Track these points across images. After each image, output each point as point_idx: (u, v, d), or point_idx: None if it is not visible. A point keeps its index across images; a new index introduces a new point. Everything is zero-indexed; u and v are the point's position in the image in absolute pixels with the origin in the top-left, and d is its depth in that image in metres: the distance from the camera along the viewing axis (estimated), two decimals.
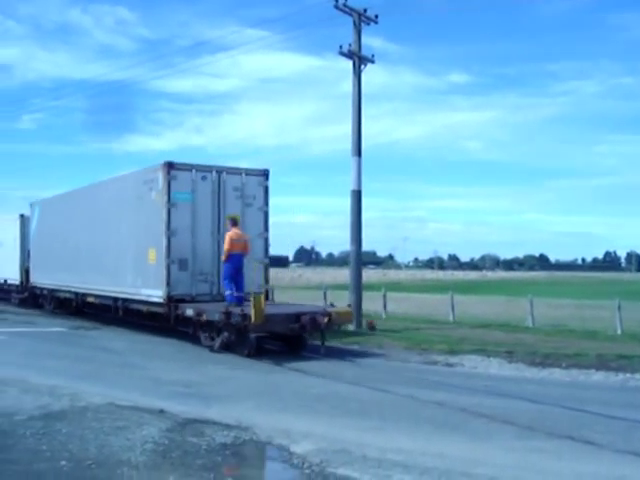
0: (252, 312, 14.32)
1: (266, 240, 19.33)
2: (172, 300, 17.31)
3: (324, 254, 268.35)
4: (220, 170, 18.55)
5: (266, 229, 19.23)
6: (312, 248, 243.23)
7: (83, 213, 23.46)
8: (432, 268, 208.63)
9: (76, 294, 23.86)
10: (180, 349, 16.83)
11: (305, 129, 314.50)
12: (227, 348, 15.59)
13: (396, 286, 54.10)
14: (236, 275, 16.64)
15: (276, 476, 6.56)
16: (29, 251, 29.57)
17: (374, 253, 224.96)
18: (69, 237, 24.56)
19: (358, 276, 22.66)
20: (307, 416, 9.05)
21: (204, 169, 18.34)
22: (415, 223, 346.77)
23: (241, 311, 14.96)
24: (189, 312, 16.75)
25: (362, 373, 13.48)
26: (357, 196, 22.45)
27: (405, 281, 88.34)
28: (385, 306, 27.57)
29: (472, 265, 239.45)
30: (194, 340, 16.85)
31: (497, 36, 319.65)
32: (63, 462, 6.55)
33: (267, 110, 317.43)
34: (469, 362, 14.90)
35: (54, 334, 19.63)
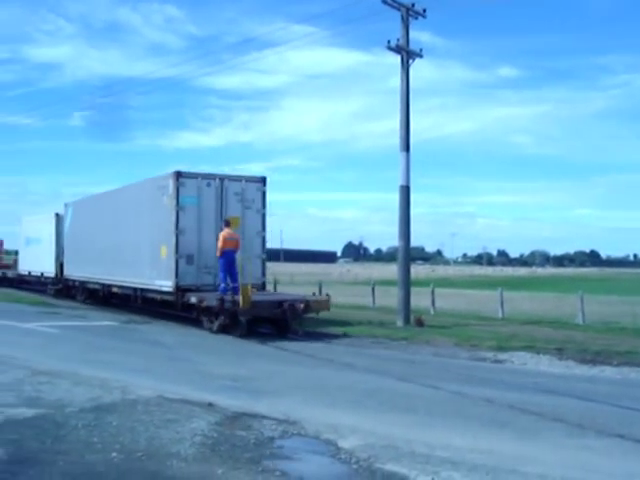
0: (240, 299, 17.31)
1: (263, 238, 22.30)
2: (180, 289, 20.18)
3: (372, 250, 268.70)
4: (222, 177, 21.45)
5: (263, 228, 22.19)
6: (360, 244, 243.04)
7: (108, 214, 26.60)
8: (481, 264, 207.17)
9: (102, 285, 26.78)
10: (228, 344, 16.98)
11: (352, 124, 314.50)
12: (224, 330, 18.34)
13: (444, 282, 53.72)
14: (230, 268, 19.38)
15: (324, 471, 6.56)
16: (63, 247, 32.40)
17: (422, 249, 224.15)
18: (97, 235, 27.55)
19: (406, 272, 22.58)
20: (355, 411, 9.06)
21: (208, 177, 21.27)
22: (464, 219, 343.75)
23: (232, 298, 17.89)
24: (193, 299, 19.52)
25: (410, 369, 13.45)
26: (406, 192, 22.38)
27: (453, 277, 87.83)
28: (433, 302, 27.43)
29: (521, 261, 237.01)
30: (199, 325, 17.08)
31: (547, 29, 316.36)
32: (114, 454, 6.65)
33: (314, 106, 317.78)
34: (518, 359, 14.78)
35: (105, 328, 19.93)
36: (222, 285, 19.18)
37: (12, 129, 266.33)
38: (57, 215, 33.55)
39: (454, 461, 6.74)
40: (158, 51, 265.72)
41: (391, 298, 26.31)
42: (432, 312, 26.37)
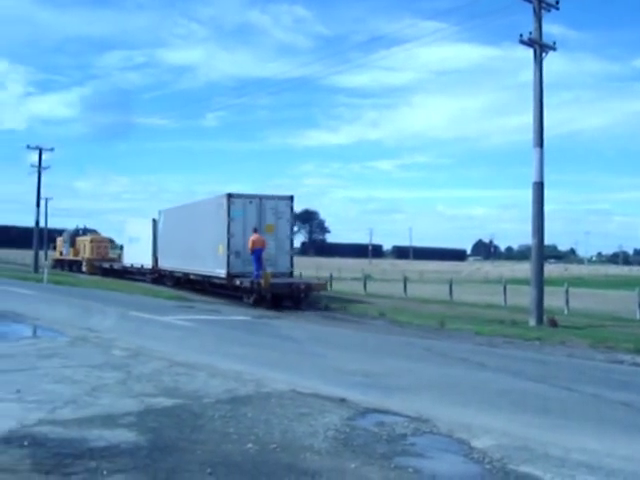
0: (263, 282, 25.59)
1: (291, 240, 30.25)
2: (230, 275, 28.01)
3: (503, 248, 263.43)
4: (261, 197, 29.24)
5: (291, 233, 30.33)
6: (490, 241, 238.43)
7: (187, 221, 34.62)
8: (616, 263, 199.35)
9: (184, 273, 35.04)
10: (359, 339, 17.06)
11: (482, 120, 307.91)
12: (257, 304, 26.24)
13: (578, 281, 52.20)
14: (257, 261, 26.93)
15: (456, 470, 6.47)
16: (158, 244, 40.53)
17: (555, 247, 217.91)
18: (180, 236, 35.44)
19: (539, 271, 22.02)
20: (488, 411, 8.90)
21: (251, 197, 29.05)
22: (598, 216, 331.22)
23: (258, 281, 25.99)
24: (237, 282, 27.61)
25: (543, 370, 13.11)
26: (539, 188, 21.84)
27: (587, 276, 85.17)
28: (567, 302, 26.67)
29: None
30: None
31: None
32: (249, 445, 6.79)
33: (443, 102, 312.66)
34: None
35: (239, 322, 20.42)
36: (255, 273, 26.71)
37: (149, 130, 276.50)
38: (154, 220, 41.61)
39: (590, 465, 6.53)
40: (287, 51, 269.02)
41: (523, 297, 25.79)
42: (565, 312, 25.66)
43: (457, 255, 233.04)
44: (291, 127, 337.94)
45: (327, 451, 6.71)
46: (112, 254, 56.71)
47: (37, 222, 57.58)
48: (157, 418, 7.75)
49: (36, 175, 56.67)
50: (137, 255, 44.13)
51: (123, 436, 6.96)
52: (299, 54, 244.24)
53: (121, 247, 53.48)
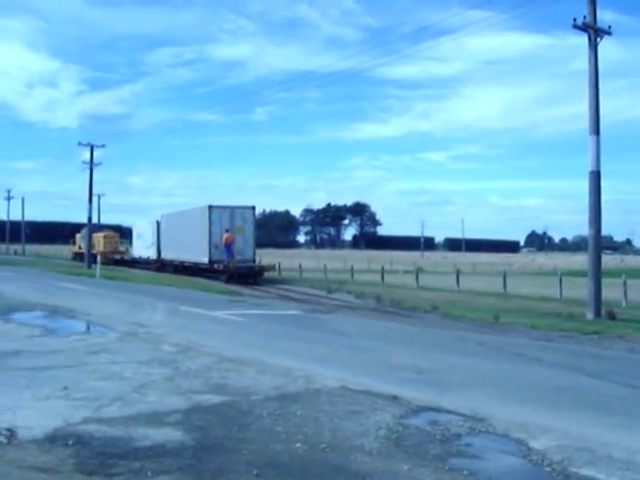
0: (231, 264, 37.73)
1: (254, 236, 41.49)
2: (211, 262, 39.70)
3: (557, 239, 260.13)
4: (232, 207, 40.93)
5: (254, 232, 41.68)
6: (544, 233, 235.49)
7: (182, 223, 45.69)
8: None
9: (180, 262, 46.09)
10: (409, 334, 16.76)
11: (534, 110, 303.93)
12: (228, 281, 37.36)
13: (635, 273, 50.93)
14: (228, 252, 38.54)
15: (514, 472, 6.17)
16: (160, 240, 51.29)
17: (611, 238, 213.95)
18: (177, 233, 46.68)
19: (597, 262, 21.45)
20: (545, 409, 8.53)
21: (225, 207, 40.83)
22: None
23: (227, 265, 38.15)
24: (215, 266, 39.57)
25: (603, 365, 12.68)
26: (596, 177, 21.25)
27: None
28: (625, 294, 25.98)
29: None
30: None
31: None
32: (298, 444, 6.58)
33: (494, 92, 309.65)
34: None
35: (289, 317, 20.25)
36: (227, 260, 38.65)
37: (199, 125, 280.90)
38: (157, 222, 52.58)
39: None
40: (336, 44, 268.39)
41: (578, 289, 25.23)
42: (624, 304, 25.00)
43: (510, 247, 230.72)
44: (340, 120, 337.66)
45: (378, 452, 6.46)
46: (121, 248, 67.68)
47: (89, 218, 58.25)
48: (204, 416, 7.59)
49: (88, 172, 57.47)
50: (143, 249, 56.43)
51: (169, 435, 6.80)
52: (347, 46, 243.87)
53: (130, 243, 64.94)
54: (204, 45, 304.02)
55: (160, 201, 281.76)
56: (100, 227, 70.83)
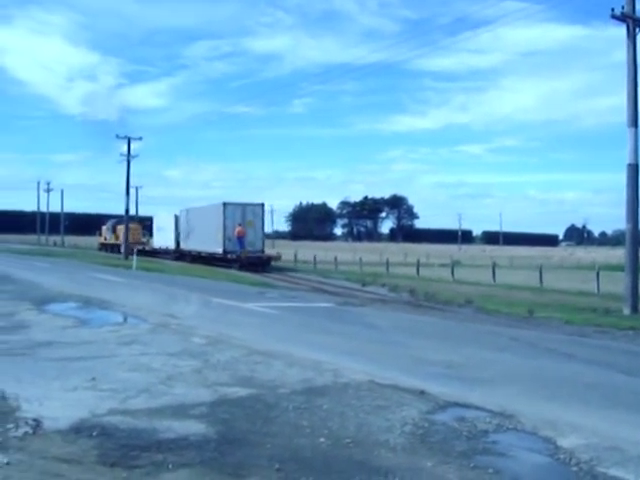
0: (242, 254, 43.15)
1: (263, 230, 47.67)
2: (225, 252, 44.55)
3: (596, 233, 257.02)
4: (244, 205, 46.52)
5: (263, 225, 47.69)
6: (583, 226, 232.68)
7: (199, 218, 50.88)
8: None
9: (197, 252, 50.54)
10: (441, 328, 16.64)
11: (573, 102, 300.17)
12: (240, 268, 41.85)
13: None
14: (240, 243, 43.90)
15: (540, 471, 6.05)
16: (179, 233, 55.82)
17: None
18: (194, 226, 51.65)
19: (634, 256, 21.10)
20: (576, 406, 8.37)
21: (238, 204, 46.26)
22: None
23: (239, 254, 43.25)
24: (229, 256, 44.06)
25: (638, 362, 12.51)
26: (634, 170, 20.89)
27: None
28: None
29: None
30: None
31: None
32: (322, 439, 6.53)
33: (532, 84, 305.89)
34: None
35: (321, 309, 20.21)
36: (239, 250, 43.91)
37: (236, 118, 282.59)
38: (175, 215, 57.42)
39: None
40: (373, 36, 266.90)
41: (616, 284, 24.84)
42: None
43: (549, 240, 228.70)
44: (378, 112, 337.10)
45: (403, 447, 6.39)
46: (143, 239, 70.75)
47: (127, 210, 58.90)
48: (229, 409, 7.57)
49: (125, 164, 58.02)
50: (163, 240, 60.01)
51: (193, 428, 6.79)
52: (384, 39, 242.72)
53: (150, 234, 68.99)
54: (241, 38, 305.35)
55: (198, 193, 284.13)
56: (122, 219, 70.30)
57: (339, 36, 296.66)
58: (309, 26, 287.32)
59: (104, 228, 77.97)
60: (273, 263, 46.30)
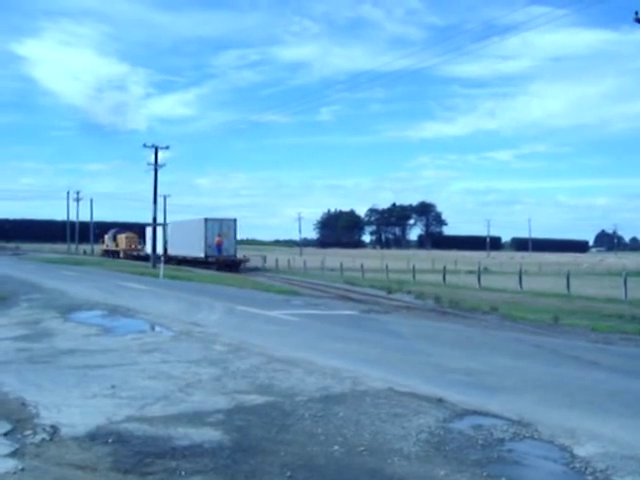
0: (219, 258, 56.66)
1: (235, 239, 60.42)
2: (206, 256, 57.36)
3: (627, 238, 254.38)
4: (221, 220, 60.03)
5: (235, 236, 60.54)
6: (614, 232, 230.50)
7: (184, 229, 63.06)
8: None
9: (183, 257, 61.12)
10: (464, 336, 16.52)
11: (603, 107, 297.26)
12: (217, 269, 53.57)
13: None
14: (218, 250, 57.08)
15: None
16: (167, 241, 65.70)
17: None
18: (180, 236, 63.42)
19: None
20: (596, 415, 8.27)
21: (216, 220, 59.63)
22: None
23: (217, 258, 56.73)
24: (209, 259, 57.16)
25: None
26: None
27: None
28: None
29: None
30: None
31: None
32: (336, 447, 6.54)
33: (562, 89, 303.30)
34: None
35: (344, 317, 20.16)
36: (216, 255, 56.30)
37: (265, 126, 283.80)
38: (164, 227, 67.23)
39: None
40: (400, 44, 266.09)
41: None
42: None
43: (578, 246, 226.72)
44: (406, 119, 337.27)
45: (417, 456, 6.37)
46: (139, 246, 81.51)
47: (154, 219, 59.39)
48: (246, 416, 7.60)
49: (153, 173, 58.55)
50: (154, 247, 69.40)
51: (208, 435, 6.83)
52: (412, 46, 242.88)
53: (143, 242, 79.96)
54: (269, 47, 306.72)
55: (228, 202, 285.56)
56: (123, 230, 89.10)
57: (366, 44, 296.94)
58: (336, 34, 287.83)
59: (106, 237, 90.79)
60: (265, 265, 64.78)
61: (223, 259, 56.39)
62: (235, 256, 59.27)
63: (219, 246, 56.96)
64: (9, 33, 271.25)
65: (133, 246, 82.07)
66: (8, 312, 18.44)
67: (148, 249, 70.21)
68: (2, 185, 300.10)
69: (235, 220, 60.78)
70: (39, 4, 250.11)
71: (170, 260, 59.31)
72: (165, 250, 63.78)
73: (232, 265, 55.95)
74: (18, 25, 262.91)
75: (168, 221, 69.32)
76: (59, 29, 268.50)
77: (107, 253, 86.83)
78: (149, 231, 70.89)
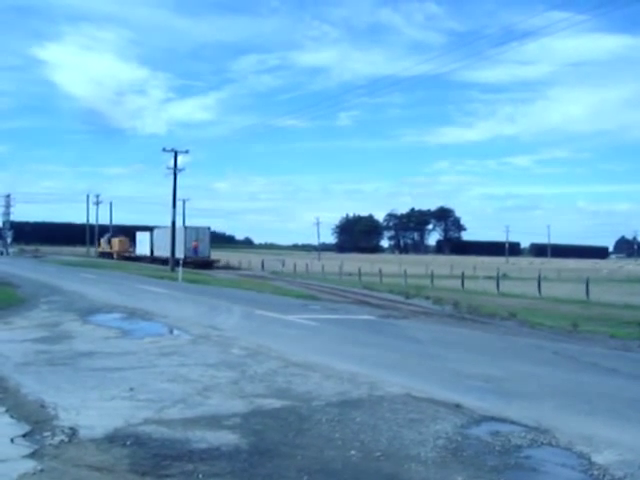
0: (196, 259, 67.27)
1: (209, 244, 72.35)
2: (185, 257, 60.09)
3: None
4: (197, 228, 73.58)
5: (209, 241, 72.77)
6: (634, 238, 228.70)
7: (167, 235, 64.68)
8: None
9: (166, 257, 64.94)
10: (482, 342, 16.49)
11: (624, 112, 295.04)
12: (194, 268, 58.88)
13: None
14: (194, 252, 68.61)
15: None
16: (153, 244, 77.50)
17: None
18: (164, 241, 68.83)
19: None
20: (614, 422, 8.21)
21: (193, 228, 73.60)
22: None
23: (194, 259, 66.58)
24: (187, 260, 59.98)
25: None
26: None
27: None
28: None
29: None
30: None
31: None
32: (353, 451, 6.55)
33: (582, 95, 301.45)
34: None
35: (362, 322, 20.14)
36: (193, 256, 66.53)
37: (283, 131, 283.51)
38: (151, 232, 79.76)
39: None
40: (419, 49, 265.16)
41: None
42: None
43: (598, 253, 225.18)
44: (425, 124, 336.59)
45: (433, 461, 6.36)
46: (130, 249, 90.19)
47: (173, 222, 59.78)
48: (263, 420, 7.62)
49: (172, 177, 58.81)
50: (142, 250, 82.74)
51: (225, 438, 6.86)
52: (431, 51, 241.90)
53: (134, 246, 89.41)
54: (288, 52, 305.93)
55: (246, 205, 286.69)
56: (117, 234, 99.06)
57: (385, 49, 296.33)
58: (355, 39, 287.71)
59: (102, 240, 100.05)
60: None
61: (199, 259, 67.38)
62: (209, 257, 71.49)
63: (195, 249, 69.08)
64: (31, 38, 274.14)
65: (125, 248, 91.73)
66: (28, 314, 18.59)
67: (138, 250, 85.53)
68: (23, 188, 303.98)
69: (209, 228, 75.50)
70: (61, 9, 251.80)
71: (155, 260, 73.90)
72: (152, 252, 78.39)
73: (206, 264, 66.69)
74: (40, 30, 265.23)
75: (155, 227, 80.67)
76: (80, 33, 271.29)
77: (103, 254, 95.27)
78: (139, 236, 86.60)
